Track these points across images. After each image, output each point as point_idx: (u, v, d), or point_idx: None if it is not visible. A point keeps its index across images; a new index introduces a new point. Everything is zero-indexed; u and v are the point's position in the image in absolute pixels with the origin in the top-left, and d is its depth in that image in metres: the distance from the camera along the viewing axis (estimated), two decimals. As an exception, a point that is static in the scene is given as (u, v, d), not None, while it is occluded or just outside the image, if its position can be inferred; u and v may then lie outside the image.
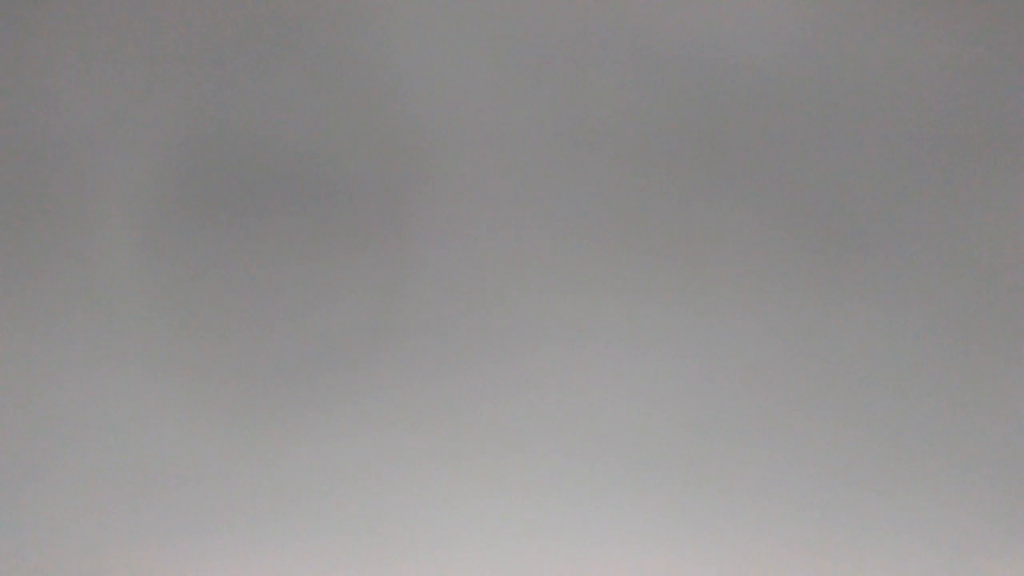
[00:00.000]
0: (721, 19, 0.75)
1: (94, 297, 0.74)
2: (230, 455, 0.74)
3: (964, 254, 0.75)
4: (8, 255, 0.74)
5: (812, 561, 0.74)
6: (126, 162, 0.75)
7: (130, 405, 0.74)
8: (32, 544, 0.74)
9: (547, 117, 0.75)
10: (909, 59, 0.75)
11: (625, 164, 0.75)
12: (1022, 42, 0.75)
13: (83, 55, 0.75)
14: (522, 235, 0.75)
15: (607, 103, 0.75)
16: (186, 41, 0.75)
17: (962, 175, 0.75)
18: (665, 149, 0.75)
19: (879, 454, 0.74)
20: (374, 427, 0.74)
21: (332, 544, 0.74)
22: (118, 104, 0.75)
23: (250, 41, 0.75)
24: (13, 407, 0.74)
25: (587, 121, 0.75)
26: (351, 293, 0.74)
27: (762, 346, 0.74)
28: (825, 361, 0.74)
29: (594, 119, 0.75)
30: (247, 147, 0.75)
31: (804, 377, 0.74)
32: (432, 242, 0.75)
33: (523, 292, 0.74)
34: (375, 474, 0.74)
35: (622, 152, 0.75)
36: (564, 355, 0.74)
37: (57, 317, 0.74)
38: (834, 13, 0.75)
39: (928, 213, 0.75)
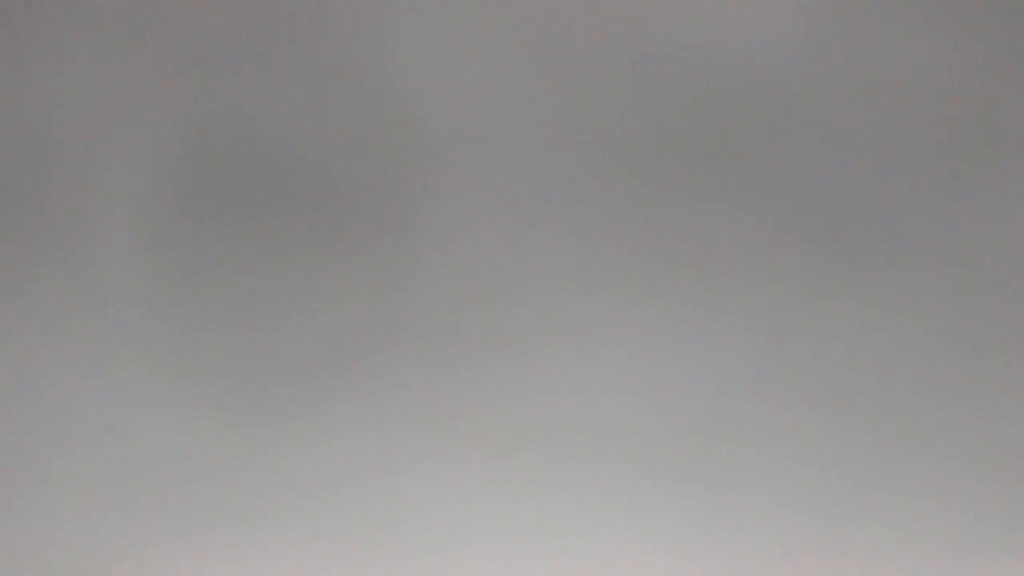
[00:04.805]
0: (722, 19, 0.75)
1: (94, 297, 0.74)
2: (230, 455, 0.74)
3: (964, 254, 0.75)
4: (8, 255, 0.74)
5: (811, 561, 0.74)
6: (126, 162, 0.75)
7: (130, 405, 0.74)
8: (32, 544, 0.74)
9: (547, 116, 0.75)
10: (909, 59, 0.75)
11: (625, 164, 0.75)
12: (1022, 42, 0.75)
13: (83, 55, 0.75)
14: (523, 235, 0.75)
15: (607, 102, 0.75)
16: (186, 41, 0.75)
17: (962, 176, 0.75)
18: (666, 149, 0.75)
19: (879, 454, 0.74)
20: (374, 427, 0.74)
21: (332, 544, 0.74)
22: (118, 104, 0.75)
23: (250, 40, 0.75)
24: (13, 407, 0.74)
25: (587, 120, 0.75)
26: (351, 293, 0.74)
27: (762, 346, 0.74)
28: (825, 361, 0.74)
29: (594, 118, 0.75)
30: (247, 147, 0.75)
31: (804, 377, 0.74)
32: (433, 242, 0.75)
33: (524, 292, 0.74)
34: (375, 474, 0.74)
35: (622, 152, 0.75)
36: (565, 355, 0.74)
37: (57, 317, 0.74)
38: (834, 13, 0.75)
39: (928, 213, 0.75)
